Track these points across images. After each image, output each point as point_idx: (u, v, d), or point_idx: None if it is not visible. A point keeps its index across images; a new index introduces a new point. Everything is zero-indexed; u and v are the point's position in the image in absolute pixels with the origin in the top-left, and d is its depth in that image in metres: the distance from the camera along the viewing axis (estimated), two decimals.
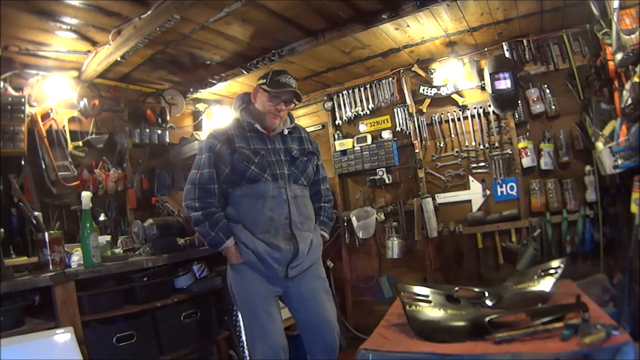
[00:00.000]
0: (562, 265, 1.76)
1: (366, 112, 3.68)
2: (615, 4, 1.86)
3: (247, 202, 1.90)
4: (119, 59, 2.54)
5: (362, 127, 3.71)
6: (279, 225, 1.88)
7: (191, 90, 3.44)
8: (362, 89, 3.69)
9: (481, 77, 3.20)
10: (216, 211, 1.89)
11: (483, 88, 3.20)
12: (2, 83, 2.38)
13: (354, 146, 3.67)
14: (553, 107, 3.01)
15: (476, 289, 1.87)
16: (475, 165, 3.30)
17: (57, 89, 2.66)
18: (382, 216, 3.53)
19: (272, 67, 1.94)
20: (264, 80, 1.95)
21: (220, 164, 1.91)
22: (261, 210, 1.87)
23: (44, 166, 2.58)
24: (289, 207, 1.89)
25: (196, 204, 1.88)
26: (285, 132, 2.02)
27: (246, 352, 2.66)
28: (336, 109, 3.81)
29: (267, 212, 1.87)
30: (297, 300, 1.97)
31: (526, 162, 3.06)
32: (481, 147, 3.27)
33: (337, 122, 3.83)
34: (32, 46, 2.41)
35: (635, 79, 1.84)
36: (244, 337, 2.66)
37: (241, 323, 2.67)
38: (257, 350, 1.86)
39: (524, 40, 3.06)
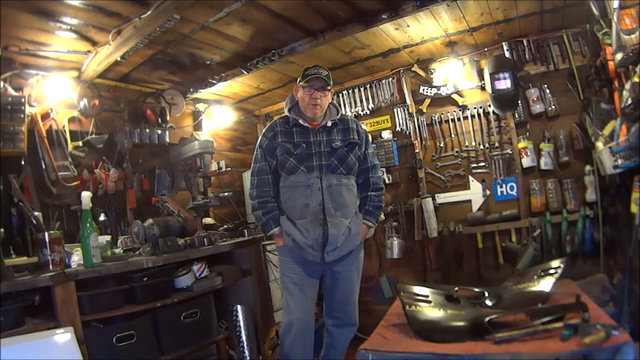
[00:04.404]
0: (562, 265, 1.76)
1: (366, 112, 3.68)
2: (615, 4, 1.86)
3: (287, 192, 2.18)
4: (119, 59, 2.54)
5: None
6: (314, 211, 2.10)
7: (191, 90, 3.44)
8: (362, 89, 3.69)
9: (481, 77, 3.20)
10: (270, 200, 2.21)
11: (483, 88, 3.20)
12: (2, 83, 2.37)
13: None
14: (553, 107, 3.01)
15: (476, 289, 1.87)
16: (475, 165, 3.30)
17: (57, 89, 2.65)
18: (382, 216, 3.53)
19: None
20: (299, 78, 2.19)
21: (269, 158, 2.21)
22: (298, 198, 2.13)
23: (44, 166, 2.57)
24: (322, 194, 2.10)
25: (254, 192, 2.22)
26: (329, 124, 2.19)
27: (246, 352, 2.66)
28: None
29: (303, 200, 2.12)
30: (329, 278, 2.23)
31: (526, 162, 3.07)
32: (481, 147, 3.27)
33: None
34: (32, 46, 2.41)
35: (635, 79, 1.84)
36: (243, 337, 2.68)
37: (241, 322, 2.69)
38: (282, 322, 2.20)
39: (524, 40, 3.06)
